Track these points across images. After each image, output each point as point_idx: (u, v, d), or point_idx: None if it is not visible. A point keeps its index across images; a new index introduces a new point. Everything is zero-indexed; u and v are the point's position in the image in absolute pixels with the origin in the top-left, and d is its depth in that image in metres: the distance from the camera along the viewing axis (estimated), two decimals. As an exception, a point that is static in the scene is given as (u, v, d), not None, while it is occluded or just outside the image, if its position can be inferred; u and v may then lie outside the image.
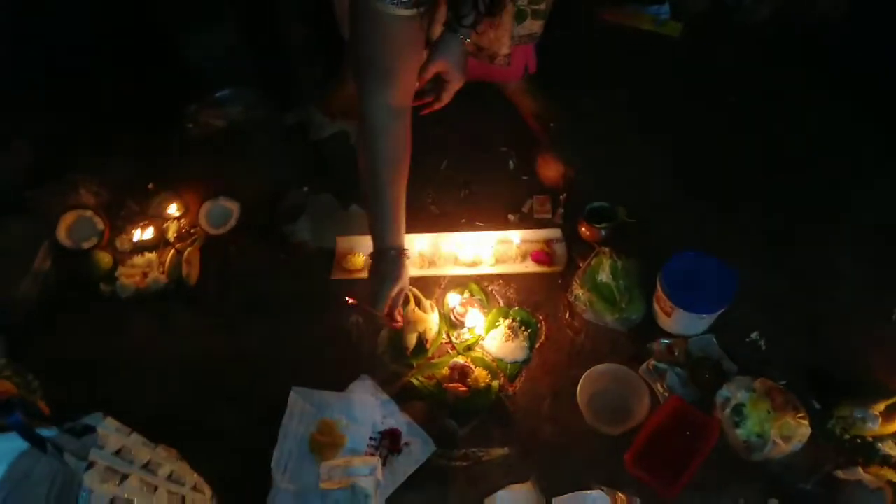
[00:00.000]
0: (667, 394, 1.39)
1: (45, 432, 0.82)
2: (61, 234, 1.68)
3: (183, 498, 1.07)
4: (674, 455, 1.28)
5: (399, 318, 1.44)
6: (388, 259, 1.36)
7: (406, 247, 1.38)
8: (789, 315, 1.50)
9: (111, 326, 1.60)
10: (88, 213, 1.71)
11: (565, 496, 1.17)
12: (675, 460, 1.27)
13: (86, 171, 1.83)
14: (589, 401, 1.36)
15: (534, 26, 1.52)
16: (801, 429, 1.27)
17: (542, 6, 1.46)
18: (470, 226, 1.68)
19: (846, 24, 1.93)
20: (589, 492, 1.18)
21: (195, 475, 1.17)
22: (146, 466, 1.00)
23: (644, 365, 1.43)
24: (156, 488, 1.00)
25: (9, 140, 1.85)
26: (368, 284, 1.41)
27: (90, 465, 0.86)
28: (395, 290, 1.38)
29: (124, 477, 0.93)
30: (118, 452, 0.94)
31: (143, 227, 1.70)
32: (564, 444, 1.37)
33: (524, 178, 1.76)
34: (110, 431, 0.92)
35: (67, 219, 1.70)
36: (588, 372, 1.37)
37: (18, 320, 1.56)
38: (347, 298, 1.45)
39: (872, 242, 1.59)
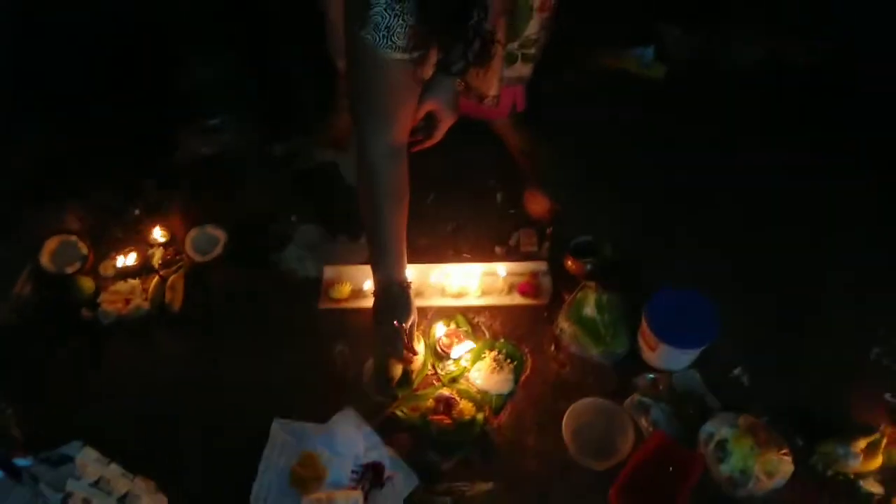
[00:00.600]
0: (651, 428, 1.39)
1: (21, 462, 0.80)
2: (44, 258, 1.67)
3: (160, 531, 1.04)
4: (658, 490, 1.27)
5: (414, 352, 1.45)
6: (393, 293, 1.38)
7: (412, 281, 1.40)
8: (772, 351, 1.51)
9: (92, 353, 1.57)
10: (73, 237, 1.70)
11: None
12: (660, 496, 1.26)
13: (72, 195, 1.82)
14: (574, 434, 1.36)
15: (523, 70, 1.56)
16: (784, 465, 1.28)
17: (533, 50, 1.50)
18: (457, 257, 1.69)
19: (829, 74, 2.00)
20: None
21: (172, 508, 1.14)
22: (123, 499, 0.97)
23: (629, 399, 1.43)
24: (133, 521, 0.97)
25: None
26: (369, 316, 1.43)
27: (67, 497, 0.84)
28: (407, 323, 1.39)
29: (101, 509, 0.91)
30: (96, 483, 0.92)
31: (127, 253, 1.69)
32: (549, 478, 1.36)
33: (511, 211, 1.78)
34: (89, 461, 0.90)
35: (51, 243, 1.69)
36: (573, 406, 1.37)
37: (-4, 345, 1.54)
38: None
39: (855, 283, 1.61)
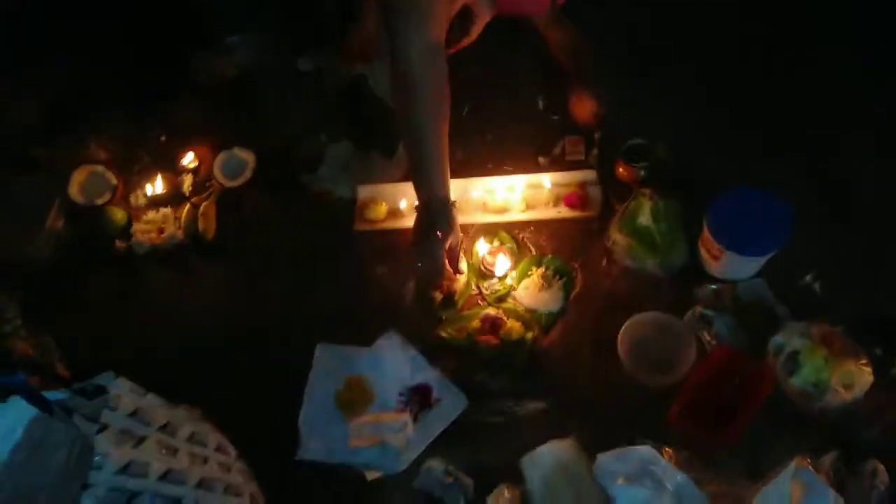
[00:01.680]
0: (714, 342, 1.30)
1: (53, 395, 0.76)
2: (73, 190, 1.63)
3: (206, 459, 1.02)
4: (722, 407, 1.19)
5: (459, 271, 1.38)
6: (435, 210, 1.28)
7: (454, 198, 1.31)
8: (846, 256, 1.38)
9: (129, 284, 1.55)
10: (100, 168, 1.65)
11: (610, 452, 1.10)
12: (725, 413, 1.18)
13: (96, 125, 1.76)
14: (630, 351, 1.27)
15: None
16: (864, 376, 1.18)
17: None
18: (498, 170, 1.58)
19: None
20: (636, 447, 1.10)
21: (219, 435, 1.12)
22: (164, 428, 0.95)
23: (689, 313, 1.33)
24: (176, 451, 0.95)
25: (18, 96, 1.79)
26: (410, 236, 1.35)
27: (102, 428, 0.80)
28: (449, 241, 1.31)
29: (141, 440, 0.88)
30: (133, 414, 0.88)
31: (156, 181, 1.63)
32: (604, 397, 1.29)
33: (554, 117, 1.64)
34: (123, 392, 0.87)
35: (79, 175, 1.65)
36: (629, 321, 1.28)
37: (32, 280, 1.52)
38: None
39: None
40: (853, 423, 1.21)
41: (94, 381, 0.85)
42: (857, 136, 1.50)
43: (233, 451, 1.14)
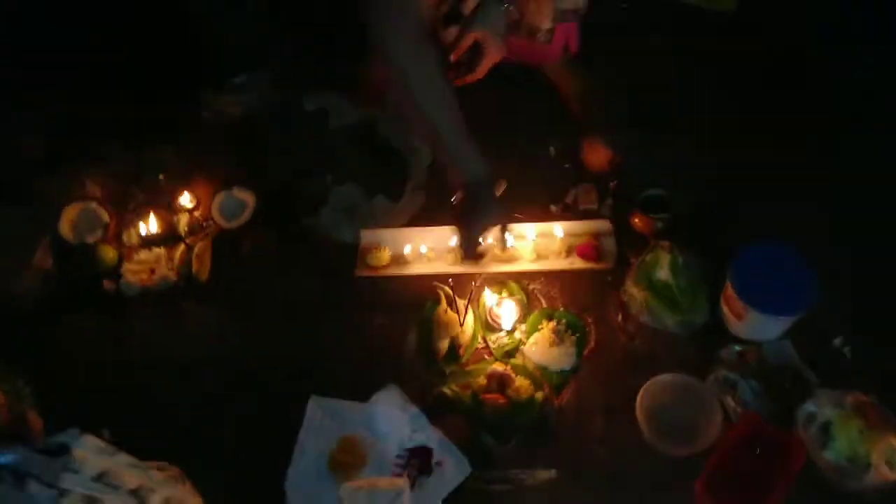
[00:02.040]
0: (739, 409, 1.20)
1: (4, 456, 0.67)
2: (64, 226, 1.56)
3: (180, 528, 0.91)
4: (752, 481, 1.09)
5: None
6: (473, 192, 1.27)
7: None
8: (878, 318, 1.29)
9: (115, 327, 1.47)
10: (93, 204, 1.59)
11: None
12: (755, 487, 1.08)
13: (94, 159, 1.70)
14: (649, 416, 1.18)
15: (578, 0, 1.36)
16: (907, 453, 1.08)
17: None
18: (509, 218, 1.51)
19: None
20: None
21: (197, 500, 1.01)
22: (135, 493, 0.84)
23: (711, 376, 1.24)
24: (147, 518, 0.85)
25: (17, 127, 1.74)
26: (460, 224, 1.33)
27: (62, 495, 0.71)
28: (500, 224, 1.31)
29: (107, 507, 0.78)
30: (99, 477, 0.79)
31: (151, 220, 1.56)
32: (620, 467, 1.19)
33: (566, 165, 1.58)
34: (89, 451, 0.77)
35: (71, 211, 1.58)
36: (648, 383, 1.19)
37: (13, 319, 1.43)
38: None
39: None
40: (895, 505, 1.11)
41: (56, 438, 0.76)
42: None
43: (212, 519, 1.03)
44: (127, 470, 0.84)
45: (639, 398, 1.18)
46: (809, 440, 1.13)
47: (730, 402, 1.21)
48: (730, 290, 1.23)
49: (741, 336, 1.29)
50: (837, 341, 1.28)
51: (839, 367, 1.26)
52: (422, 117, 1.21)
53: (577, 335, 1.33)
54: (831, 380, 1.21)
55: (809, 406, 1.16)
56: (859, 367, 1.25)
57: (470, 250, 1.33)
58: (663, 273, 1.32)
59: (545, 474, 1.18)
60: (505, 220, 1.33)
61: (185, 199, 1.60)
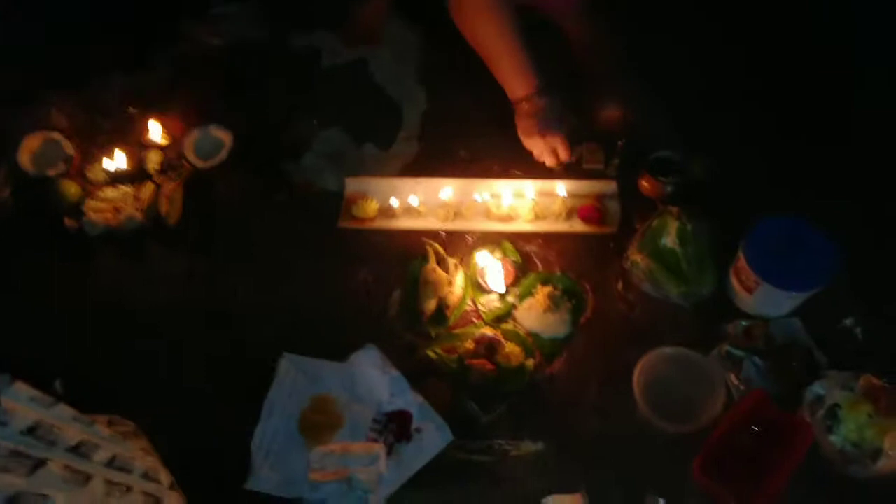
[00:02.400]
0: (742, 387, 1.13)
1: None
2: (23, 157, 1.44)
3: (128, 489, 0.82)
4: (751, 464, 1.02)
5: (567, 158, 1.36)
6: (552, 93, 1.29)
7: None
8: (892, 299, 1.21)
9: (75, 268, 1.36)
10: (56, 135, 1.46)
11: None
12: (753, 470, 1.01)
13: (61, 89, 1.56)
14: (646, 391, 1.10)
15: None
16: (920, 442, 1.01)
17: None
18: (506, 174, 1.41)
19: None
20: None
21: (151, 459, 0.92)
22: (75, 449, 0.75)
23: (715, 350, 1.16)
24: (88, 478, 0.75)
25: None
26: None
27: (-18, 448, 0.61)
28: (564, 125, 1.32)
29: (39, 464, 0.68)
30: (32, 430, 0.69)
31: (118, 155, 1.44)
32: (613, 441, 1.11)
33: (573, 121, 1.46)
34: (20, 401, 0.67)
35: (32, 141, 1.46)
36: (648, 355, 1.11)
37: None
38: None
39: None
40: (898, 495, 1.04)
41: (-20, 385, 0.66)
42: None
43: (165, 479, 0.94)
44: (67, 424, 0.74)
45: (636, 370, 1.09)
46: (816, 423, 1.06)
47: (733, 379, 1.13)
48: (742, 262, 1.14)
49: (749, 311, 1.20)
50: (849, 321, 1.20)
51: (850, 348, 1.18)
52: (491, 20, 1.24)
53: (574, 302, 1.24)
54: (841, 361, 1.14)
55: (817, 388, 1.08)
56: (871, 349, 1.17)
57: (564, 152, 1.33)
58: (670, 240, 1.23)
59: (531, 446, 1.10)
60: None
61: (157, 135, 1.47)
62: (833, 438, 1.05)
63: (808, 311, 1.20)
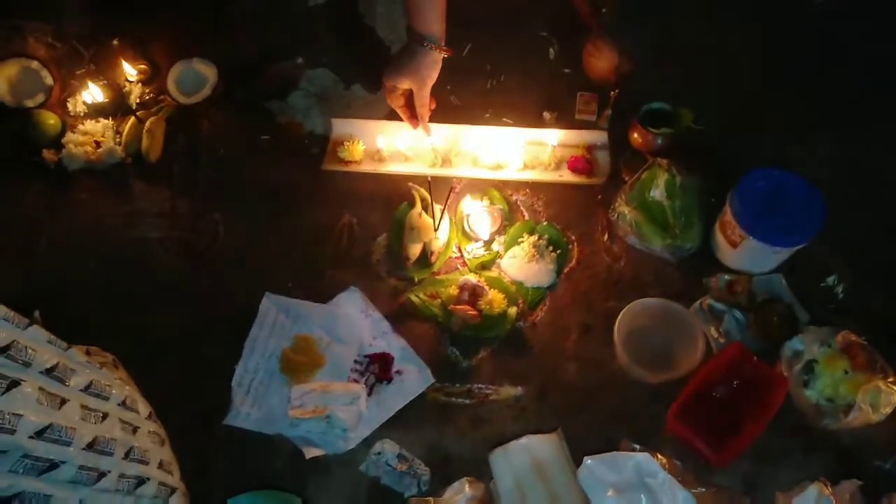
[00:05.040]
0: (722, 340, 1.14)
1: None
2: (0, 87, 1.38)
3: (104, 416, 0.81)
4: (725, 414, 1.04)
5: (420, 124, 1.27)
6: (415, 48, 1.14)
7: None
8: (874, 259, 1.22)
9: (53, 202, 1.33)
10: (35, 64, 1.41)
11: (601, 456, 0.92)
12: (727, 421, 1.03)
13: (40, 17, 1.50)
14: (627, 340, 1.10)
15: None
16: (892, 396, 1.02)
17: None
18: (496, 121, 1.38)
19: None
20: (632, 454, 0.93)
21: (130, 388, 0.91)
22: (50, 372, 0.74)
23: (697, 303, 1.17)
24: (63, 402, 0.74)
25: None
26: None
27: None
28: (406, 83, 1.18)
29: (12, 385, 0.67)
30: (5, 350, 0.68)
31: (99, 88, 1.39)
32: (591, 389, 1.12)
33: (566, 70, 1.44)
34: (-7, 320, 0.66)
35: (9, 68, 1.40)
36: (631, 305, 1.11)
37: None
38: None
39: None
40: (867, 450, 1.06)
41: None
42: None
43: (144, 409, 0.94)
44: (42, 346, 0.73)
45: (618, 320, 1.10)
46: (792, 377, 1.07)
47: (713, 332, 1.14)
48: (728, 215, 1.14)
49: (732, 266, 1.21)
50: (831, 280, 1.21)
51: (830, 306, 1.19)
52: None
53: (559, 252, 1.23)
54: (821, 318, 1.15)
55: (796, 343, 1.09)
56: (850, 307, 1.18)
57: (423, 110, 1.24)
58: (658, 193, 1.22)
59: (511, 391, 1.11)
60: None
61: (138, 67, 1.43)
62: (808, 393, 1.06)
63: (792, 269, 1.20)
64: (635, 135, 1.30)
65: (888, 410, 1.02)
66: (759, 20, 1.45)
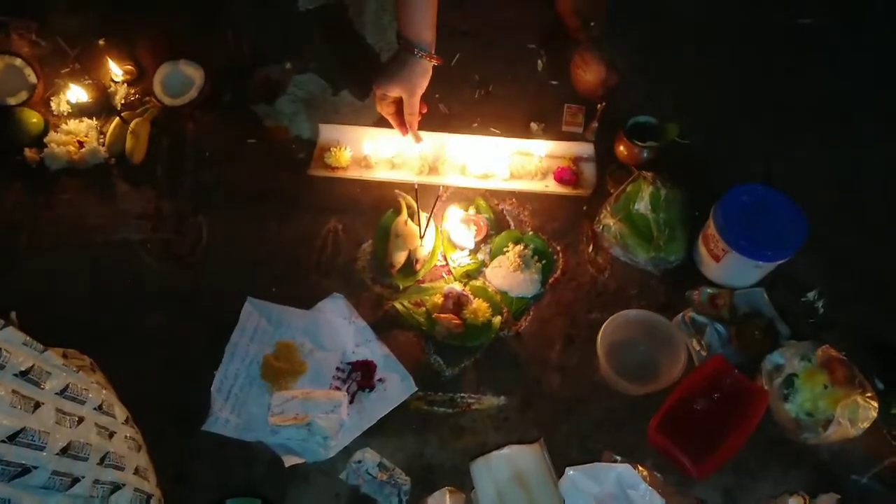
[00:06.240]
0: (704, 353, 1.14)
1: None
2: (-19, 84, 1.37)
3: (80, 420, 0.80)
4: (706, 427, 1.04)
5: (410, 131, 1.25)
6: (405, 56, 1.13)
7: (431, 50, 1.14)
8: (855, 276, 1.24)
9: (34, 203, 1.31)
10: (18, 61, 1.39)
11: (583, 467, 0.92)
12: (708, 433, 1.03)
13: (25, 14, 1.49)
14: (610, 352, 1.10)
15: None
16: (870, 411, 1.03)
17: None
18: (484, 131, 1.39)
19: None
20: (614, 465, 0.93)
21: (107, 393, 0.90)
22: (25, 374, 0.72)
23: (679, 316, 1.17)
24: (37, 405, 0.73)
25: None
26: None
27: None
28: (397, 91, 1.17)
29: (-16, 386, 0.66)
30: (-23, 351, 0.66)
31: (84, 87, 1.38)
32: (574, 399, 1.12)
33: (553, 82, 1.45)
34: (-36, 320, 0.64)
35: (-9, 65, 1.38)
36: (614, 316, 1.11)
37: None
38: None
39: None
40: (845, 464, 1.07)
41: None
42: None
43: (121, 414, 0.92)
44: (16, 348, 0.72)
45: (601, 331, 1.10)
46: (772, 391, 1.08)
47: (695, 345, 1.15)
48: (711, 229, 1.15)
49: (715, 280, 1.22)
50: (812, 294, 1.22)
51: (811, 320, 1.20)
52: None
53: (544, 262, 1.24)
54: (802, 332, 1.16)
55: (776, 357, 1.10)
56: (831, 323, 1.19)
57: (412, 118, 1.23)
58: (643, 205, 1.23)
59: (494, 401, 1.11)
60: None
61: (124, 67, 1.41)
62: (788, 406, 1.07)
63: (773, 283, 1.21)
64: (621, 147, 1.32)
65: (866, 425, 1.03)
66: (745, 36, 1.48)
